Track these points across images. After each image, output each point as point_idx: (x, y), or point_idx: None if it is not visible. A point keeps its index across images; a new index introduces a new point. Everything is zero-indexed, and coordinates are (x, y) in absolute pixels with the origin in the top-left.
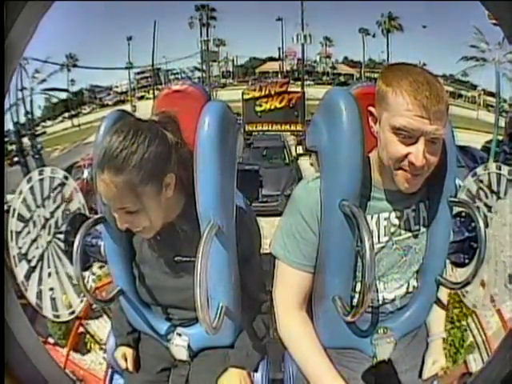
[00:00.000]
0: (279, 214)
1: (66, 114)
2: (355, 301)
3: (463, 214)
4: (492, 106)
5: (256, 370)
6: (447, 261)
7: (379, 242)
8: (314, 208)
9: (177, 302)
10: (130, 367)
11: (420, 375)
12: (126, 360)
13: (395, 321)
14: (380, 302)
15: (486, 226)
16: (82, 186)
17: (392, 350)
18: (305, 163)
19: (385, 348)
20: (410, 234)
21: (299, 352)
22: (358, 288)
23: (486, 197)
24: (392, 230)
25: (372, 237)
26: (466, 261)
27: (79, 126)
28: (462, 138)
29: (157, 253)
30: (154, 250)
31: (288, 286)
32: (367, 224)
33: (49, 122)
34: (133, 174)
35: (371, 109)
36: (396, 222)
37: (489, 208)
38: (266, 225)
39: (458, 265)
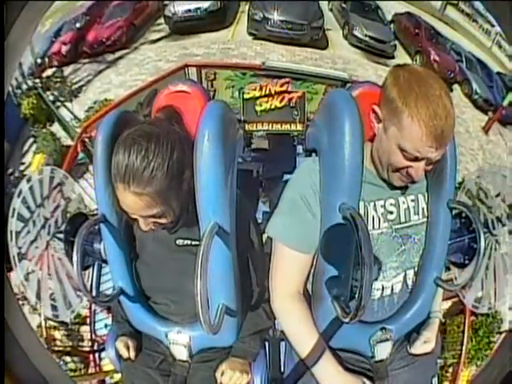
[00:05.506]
0: (304, 45)
1: None
2: (354, 302)
3: (463, 214)
4: None
5: (255, 360)
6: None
7: (379, 227)
8: (314, 188)
9: (177, 289)
10: (132, 356)
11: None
12: (127, 350)
13: (394, 321)
14: (378, 291)
15: (486, 227)
16: None
17: (390, 351)
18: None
19: (383, 348)
20: (409, 224)
21: (296, 336)
22: (356, 290)
23: (486, 197)
24: (391, 217)
25: (371, 243)
26: (466, 261)
27: None
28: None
29: (159, 236)
30: (156, 233)
31: (286, 268)
32: (366, 229)
33: None
34: (161, 183)
35: (376, 109)
36: (394, 209)
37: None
38: (287, 52)
39: (458, 265)
